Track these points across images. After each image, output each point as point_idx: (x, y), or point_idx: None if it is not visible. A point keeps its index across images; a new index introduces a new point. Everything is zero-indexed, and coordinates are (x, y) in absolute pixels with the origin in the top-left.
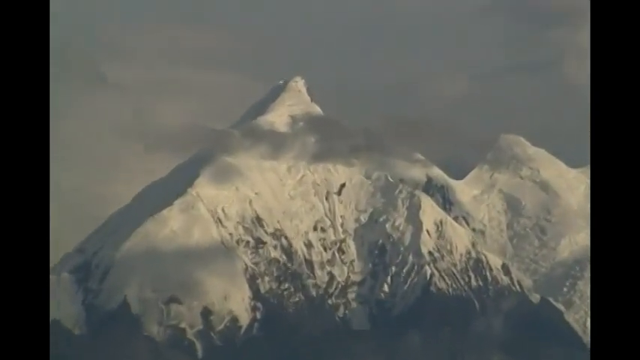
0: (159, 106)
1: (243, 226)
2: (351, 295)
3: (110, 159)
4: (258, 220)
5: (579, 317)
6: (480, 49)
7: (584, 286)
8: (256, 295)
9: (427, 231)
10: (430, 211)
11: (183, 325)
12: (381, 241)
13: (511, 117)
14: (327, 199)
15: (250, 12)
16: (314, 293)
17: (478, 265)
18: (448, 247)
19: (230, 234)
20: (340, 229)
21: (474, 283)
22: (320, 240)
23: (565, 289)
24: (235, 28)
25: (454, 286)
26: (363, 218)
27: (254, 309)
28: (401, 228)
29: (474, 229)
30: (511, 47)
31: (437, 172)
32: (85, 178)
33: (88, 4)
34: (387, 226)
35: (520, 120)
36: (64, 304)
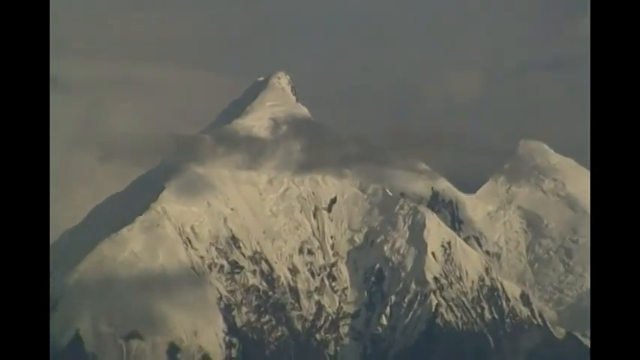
0: (115, 109)
1: (217, 248)
2: (344, 330)
3: (59, 171)
4: (234, 241)
5: None
6: (495, 43)
7: None
8: (232, 329)
9: (433, 254)
10: (436, 231)
11: None
12: (378, 266)
13: (532, 121)
14: (315, 216)
15: None
16: (300, 327)
17: (493, 295)
18: (457, 273)
19: (201, 257)
20: (330, 252)
21: (487, 315)
22: (307, 264)
23: None
24: (206, 16)
25: (464, 319)
26: (358, 239)
27: (229, 345)
28: (402, 250)
29: (487, 252)
30: (532, 41)
31: (444, 185)
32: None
33: None
34: (385, 248)
35: (543, 124)
36: None
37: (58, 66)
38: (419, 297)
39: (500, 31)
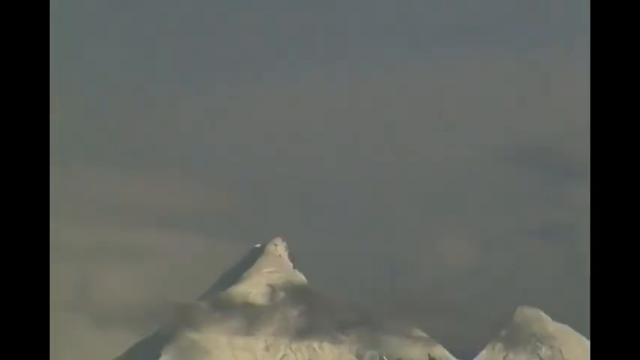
0: (110, 275)
1: None
2: None
3: (55, 336)
4: None
5: None
6: (490, 208)
7: None
8: None
9: None
10: None
11: None
12: None
13: (529, 288)
14: None
15: (222, 162)
16: None
17: None
18: None
19: None
20: None
21: None
22: None
23: None
24: (204, 182)
25: None
26: None
27: None
28: None
29: None
30: (528, 207)
31: (441, 352)
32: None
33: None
34: None
35: (539, 292)
36: None
37: (53, 231)
38: None
39: (492, 197)
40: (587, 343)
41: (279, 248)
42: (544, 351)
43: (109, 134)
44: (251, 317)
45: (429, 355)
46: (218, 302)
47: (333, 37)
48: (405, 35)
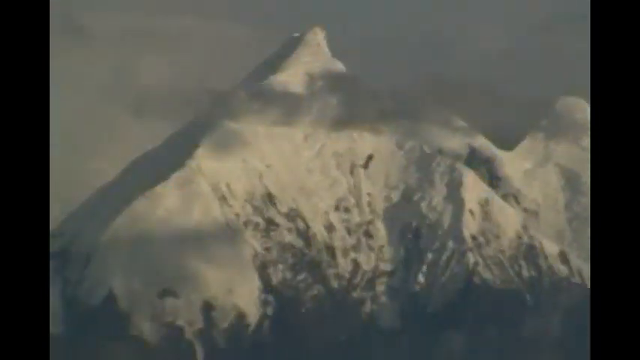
0: (145, 61)
1: (252, 205)
2: (380, 288)
3: (91, 126)
4: (270, 198)
5: None
6: None
7: None
8: (267, 287)
9: (470, 211)
10: (474, 188)
11: (180, 322)
12: (415, 224)
13: (570, 75)
14: (351, 173)
15: None
16: (336, 285)
17: (531, 253)
18: (495, 231)
19: (236, 214)
20: (367, 209)
21: (525, 273)
22: (343, 222)
23: None
24: None
25: (502, 277)
26: (394, 196)
27: (264, 304)
28: (439, 208)
29: (525, 210)
30: None
31: (482, 142)
32: (62, 150)
33: None
34: (422, 205)
35: (581, 79)
36: None
37: (86, 15)
38: (456, 255)
39: None
40: None
41: (318, 37)
42: (586, 140)
43: None
44: (289, 107)
45: (469, 144)
46: (256, 92)
47: None
48: None
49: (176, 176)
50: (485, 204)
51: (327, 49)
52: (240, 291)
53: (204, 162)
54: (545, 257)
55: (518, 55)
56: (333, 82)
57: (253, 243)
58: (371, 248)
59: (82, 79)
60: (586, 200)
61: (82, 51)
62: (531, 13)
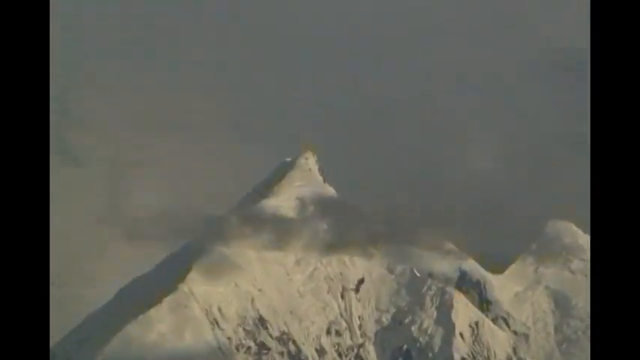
0: (141, 187)
1: (244, 329)
2: None
3: (84, 249)
4: (262, 322)
5: None
6: (519, 115)
7: None
8: None
9: (461, 334)
10: (464, 311)
11: None
12: (406, 347)
13: (560, 199)
14: (342, 296)
15: (250, 73)
16: None
17: None
18: (485, 354)
19: (228, 338)
20: (358, 332)
21: None
22: (334, 345)
23: None
24: (232, 95)
25: None
26: (385, 319)
27: None
28: (430, 331)
29: (515, 332)
30: (558, 114)
31: (472, 265)
32: (55, 272)
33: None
34: (413, 328)
35: (570, 203)
36: None
37: (80, 140)
38: None
39: (526, 102)
40: None
41: (309, 162)
42: (575, 263)
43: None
44: (281, 231)
45: (459, 268)
46: (248, 216)
47: None
48: None
49: (169, 300)
50: (475, 327)
51: (318, 174)
52: None
53: (197, 286)
54: None
55: (508, 177)
56: (324, 206)
57: None
58: None
59: (79, 201)
60: (575, 323)
61: (75, 173)
62: (523, 137)
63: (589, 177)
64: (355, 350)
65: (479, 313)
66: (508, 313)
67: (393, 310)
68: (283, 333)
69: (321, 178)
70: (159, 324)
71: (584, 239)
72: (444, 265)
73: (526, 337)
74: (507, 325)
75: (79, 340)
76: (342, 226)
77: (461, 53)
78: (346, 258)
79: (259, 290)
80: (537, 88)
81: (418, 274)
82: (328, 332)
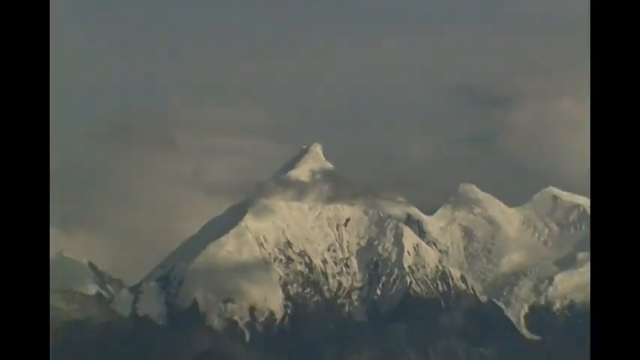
0: (217, 165)
1: (278, 249)
2: (354, 297)
3: (182, 204)
4: (289, 244)
5: (515, 312)
6: (441, 124)
7: (519, 290)
8: (287, 297)
9: (408, 252)
10: (410, 238)
11: (235, 318)
12: (375, 259)
13: (466, 172)
14: (337, 229)
15: (279, 92)
16: (328, 296)
17: (444, 276)
18: (422, 264)
19: (269, 254)
20: (346, 251)
21: (440, 288)
22: (332, 258)
23: (505, 293)
24: (269, 105)
25: (427, 290)
26: (363, 243)
27: (286, 307)
28: (389, 250)
29: (440, 251)
30: (460, 123)
31: (414, 211)
32: (165, 219)
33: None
34: (379, 248)
35: (472, 174)
36: (151, 304)
37: (180, 134)
38: (399, 278)
39: (445, 116)
40: (501, 204)
41: (317, 149)
42: (476, 210)
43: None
44: (300, 190)
45: (407, 212)
46: (280, 181)
47: None
48: None
49: (233, 232)
50: (416, 247)
51: (322, 157)
52: (271, 299)
53: (250, 223)
54: (452, 279)
55: (438, 160)
56: (326, 176)
57: (279, 271)
58: (348, 274)
59: (177, 175)
60: (476, 245)
61: (177, 157)
62: (447, 134)
63: (486, 159)
64: (344, 261)
65: (418, 239)
66: (436, 239)
67: (367, 237)
68: (301, 251)
69: (324, 159)
70: (227, 246)
71: (482, 194)
72: (397, 210)
73: (447, 253)
74: (436, 246)
75: (179, 256)
76: (337, 188)
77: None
78: (339, 206)
79: (287, 225)
80: None
81: (382, 215)
82: (328, 250)
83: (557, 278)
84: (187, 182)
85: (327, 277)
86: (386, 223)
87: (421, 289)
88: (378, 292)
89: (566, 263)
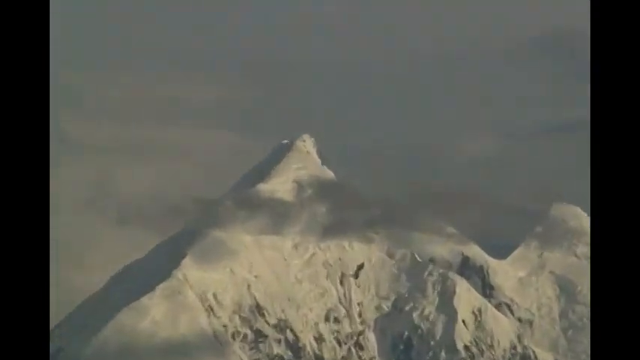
0: (132, 172)
1: (240, 316)
2: None
3: (76, 236)
4: (258, 309)
5: None
6: (509, 104)
7: None
8: None
9: (463, 321)
10: (467, 297)
11: None
12: (407, 334)
13: (565, 183)
14: (341, 282)
15: (248, 57)
16: None
17: None
18: (489, 341)
19: (224, 326)
20: (358, 320)
21: None
22: (333, 332)
23: None
24: (229, 77)
25: None
26: (386, 306)
27: None
28: (431, 318)
29: (519, 319)
30: (547, 103)
31: (474, 250)
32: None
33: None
34: (414, 315)
35: (576, 186)
36: None
37: (71, 123)
38: None
39: (513, 92)
40: None
41: (307, 144)
42: (581, 248)
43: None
44: (278, 215)
45: (462, 252)
46: (244, 200)
47: None
48: None
49: (162, 287)
50: (478, 313)
51: (316, 157)
52: None
53: (191, 272)
54: None
55: (508, 162)
56: (322, 189)
57: (242, 355)
58: (362, 359)
59: (68, 186)
60: (581, 309)
61: (69, 158)
62: (519, 121)
63: (583, 161)
64: (355, 338)
65: (482, 299)
66: (512, 300)
67: (393, 296)
68: (280, 320)
69: (319, 161)
70: (152, 312)
71: (588, 221)
72: (446, 250)
73: (530, 323)
74: (511, 311)
75: (70, 330)
76: (341, 209)
77: (449, 30)
78: (345, 243)
79: (255, 276)
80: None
81: (419, 259)
82: (327, 319)
83: None
84: (81, 200)
85: None
86: (426, 273)
87: None
88: None
89: None
